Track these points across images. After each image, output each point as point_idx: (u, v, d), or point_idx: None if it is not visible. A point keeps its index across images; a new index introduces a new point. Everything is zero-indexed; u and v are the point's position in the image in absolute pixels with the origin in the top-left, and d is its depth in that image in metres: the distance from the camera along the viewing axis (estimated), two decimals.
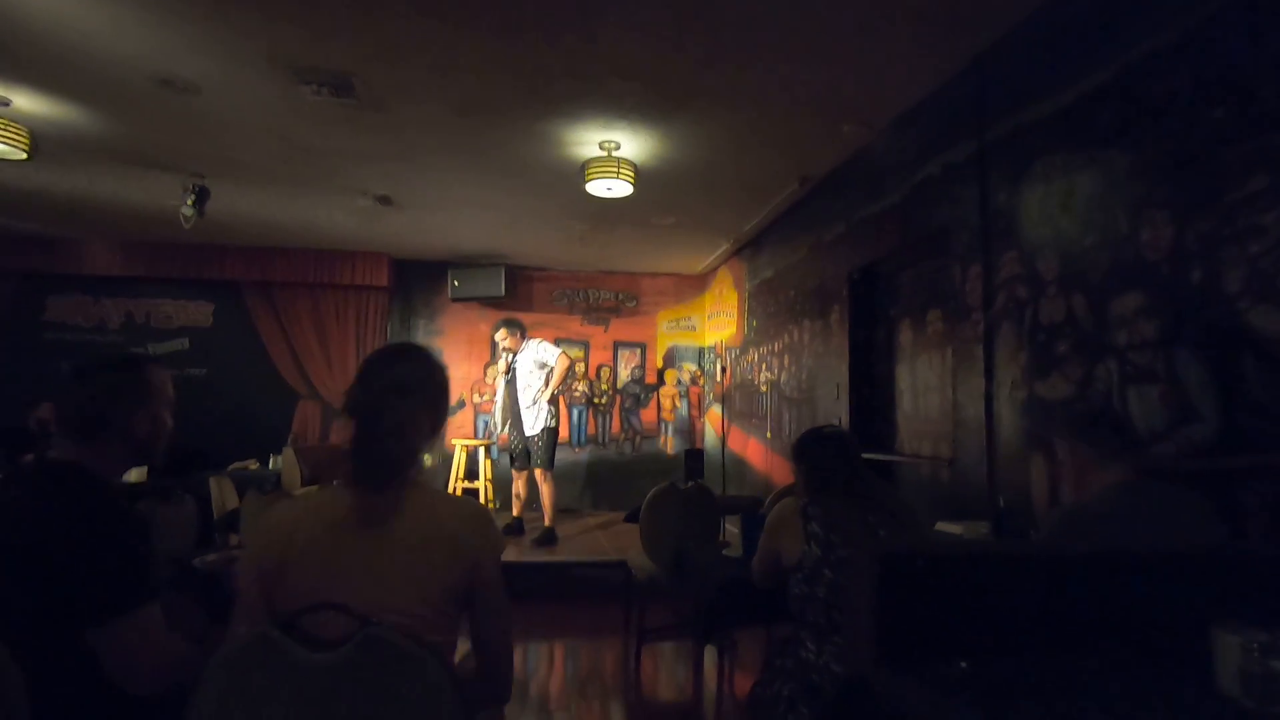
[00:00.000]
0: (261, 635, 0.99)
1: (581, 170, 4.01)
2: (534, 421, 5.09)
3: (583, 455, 7.10)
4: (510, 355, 5.19)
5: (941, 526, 2.70)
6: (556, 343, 5.46)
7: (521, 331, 5.28)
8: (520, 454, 5.18)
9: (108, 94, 3.41)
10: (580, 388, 7.17)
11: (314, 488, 4.61)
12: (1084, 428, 1.66)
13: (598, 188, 4.02)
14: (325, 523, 1.16)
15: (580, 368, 7.15)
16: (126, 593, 1.21)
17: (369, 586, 1.10)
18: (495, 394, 5.28)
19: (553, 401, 5.15)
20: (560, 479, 5.27)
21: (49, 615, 1.18)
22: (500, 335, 5.19)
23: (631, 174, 3.96)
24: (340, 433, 6.49)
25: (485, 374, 7.05)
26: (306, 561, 1.12)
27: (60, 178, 4.61)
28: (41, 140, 3.80)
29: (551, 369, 5.14)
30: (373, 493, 1.16)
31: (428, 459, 6.16)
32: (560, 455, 5.45)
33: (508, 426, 5.22)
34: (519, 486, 5.29)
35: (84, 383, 1.38)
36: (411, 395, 1.24)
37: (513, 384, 5.18)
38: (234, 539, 2.59)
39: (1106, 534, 1.50)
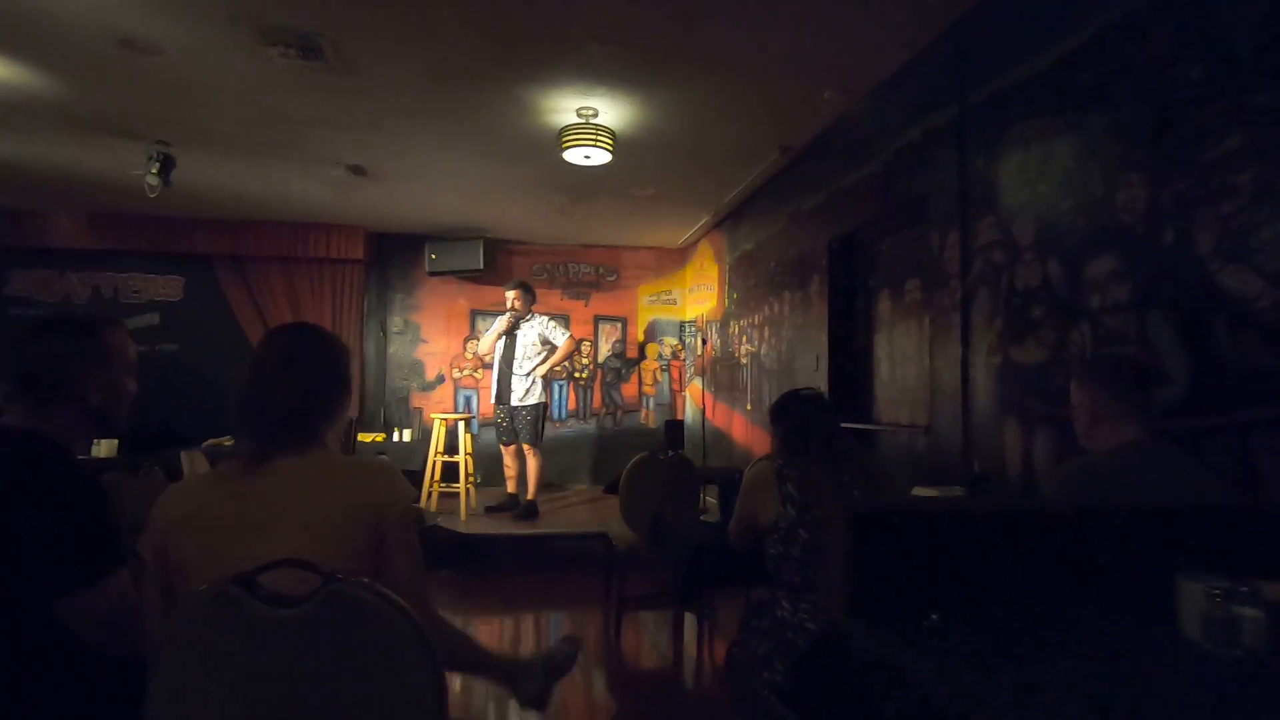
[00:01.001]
0: (220, 592, 0.97)
1: (559, 138, 3.95)
2: (523, 393, 5.06)
3: (564, 430, 7.09)
4: (515, 316, 5.11)
5: (918, 492, 2.73)
6: (539, 317, 5.39)
7: (533, 298, 5.23)
8: (507, 429, 5.15)
9: (65, 55, 3.27)
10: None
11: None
12: (1114, 378, 1.62)
13: (575, 155, 3.96)
14: (204, 494, 1.19)
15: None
16: (93, 562, 1.18)
17: (254, 548, 1.06)
18: (494, 352, 5.19)
19: (529, 377, 5.12)
20: (541, 453, 5.25)
21: (14, 587, 1.14)
22: (513, 295, 5.09)
23: (610, 141, 3.90)
24: None
25: (465, 348, 6.99)
26: (186, 532, 1.13)
27: (18, 145, 4.44)
28: None
29: (555, 348, 5.15)
30: (262, 463, 1.17)
31: (380, 436, 6.12)
32: None
33: (493, 396, 5.18)
34: (509, 461, 5.26)
35: (33, 345, 1.30)
36: (282, 368, 1.22)
37: (511, 349, 5.12)
38: None
39: (1117, 490, 1.49)
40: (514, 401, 5.07)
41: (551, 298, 7.09)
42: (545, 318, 5.31)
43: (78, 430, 1.34)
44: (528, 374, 5.08)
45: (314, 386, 1.24)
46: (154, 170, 4.22)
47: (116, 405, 1.37)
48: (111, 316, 1.45)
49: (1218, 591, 1.06)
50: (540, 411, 5.12)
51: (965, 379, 2.81)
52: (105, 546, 1.21)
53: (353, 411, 6.28)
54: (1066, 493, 1.59)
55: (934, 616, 1.15)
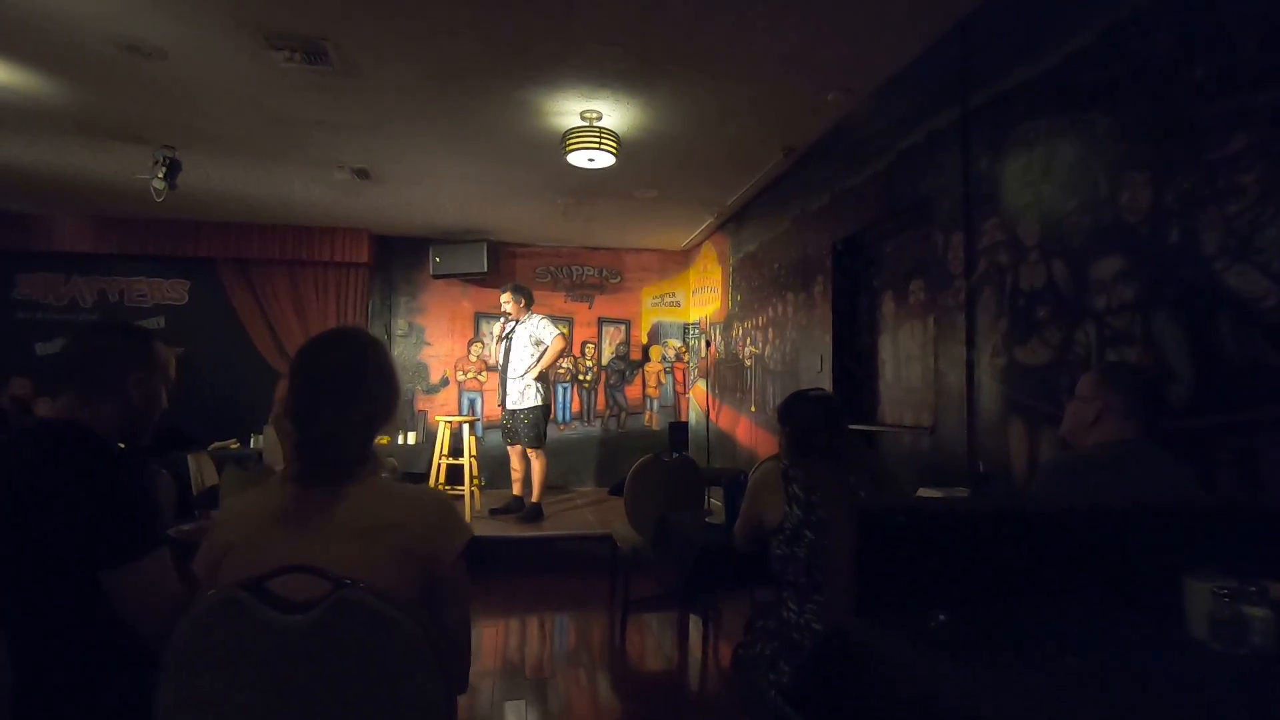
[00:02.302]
0: (229, 597, 0.97)
1: (563, 141, 3.96)
2: (519, 396, 5.04)
3: (568, 432, 7.10)
4: (511, 323, 5.11)
5: (923, 493, 2.72)
6: (545, 318, 5.35)
7: (527, 301, 5.19)
8: (510, 430, 5.15)
9: (71, 60, 3.29)
10: (565, 365, 7.15)
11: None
12: (1132, 386, 1.67)
13: (579, 158, 3.97)
14: (261, 519, 1.12)
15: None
16: (139, 538, 1.24)
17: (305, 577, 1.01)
18: (498, 359, 5.19)
19: (540, 380, 5.09)
20: (546, 455, 5.25)
21: (61, 564, 1.20)
22: (505, 299, 5.08)
23: (614, 144, 3.91)
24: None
25: (469, 351, 7.01)
26: (240, 557, 1.09)
27: (23, 150, 4.47)
28: (3, 109, 3.68)
29: (545, 348, 5.07)
30: (311, 488, 1.13)
31: (384, 439, 6.09)
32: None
33: (499, 400, 5.17)
34: (515, 463, 5.26)
35: (91, 340, 1.41)
36: (349, 394, 1.15)
37: (507, 353, 5.12)
38: (212, 515, 2.56)
39: (1103, 483, 1.54)
40: (510, 405, 5.07)
41: (555, 300, 7.11)
42: (538, 318, 5.19)
43: (115, 426, 1.41)
44: (521, 376, 5.04)
45: (377, 410, 1.19)
46: (160, 174, 4.25)
47: (150, 411, 1.45)
48: (160, 336, 1.54)
49: (1225, 591, 1.06)
50: (539, 414, 5.04)
51: (970, 380, 2.81)
52: (148, 525, 1.27)
53: None
54: (1056, 484, 1.62)
55: (940, 616, 1.15)
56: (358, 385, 1.17)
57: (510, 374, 5.08)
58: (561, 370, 7.10)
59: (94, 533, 1.21)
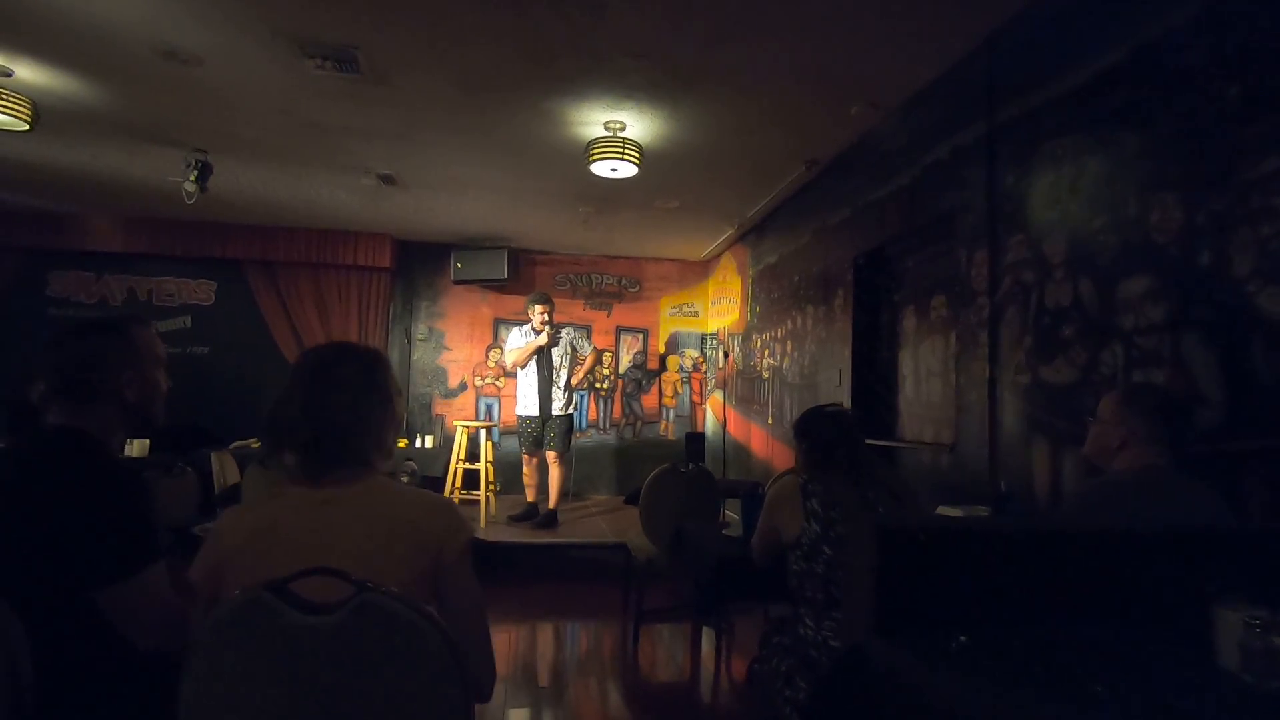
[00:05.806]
0: (253, 598, 0.98)
1: (586, 150, 3.99)
2: (565, 403, 5.16)
3: (584, 440, 7.10)
4: (554, 329, 5.16)
5: (942, 511, 2.69)
6: (566, 327, 5.51)
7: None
8: (532, 438, 5.16)
9: (110, 65, 3.38)
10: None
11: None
12: (1153, 408, 1.66)
13: (602, 168, 3.99)
14: (270, 521, 1.17)
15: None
16: (131, 555, 1.21)
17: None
18: (527, 365, 5.18)
19: (567, 389, 5.21)
20: (564, 463, 5.27)
21: (55, 580, 1.18)
22: (541, 309, 5.10)
23: (637, 155, 3.93)
24: None
25: (487, 357, 7.05)
26: (247, 561, 1.13)
27: (62, 151, 4.59)
28: (44, 112, 3.78)
29: (582, 359, 5.29)
30: (317, 486, 1.18)
31: (403, 442, 6.10)
32: None
33: (525, 407, 5.17)
34: (530, 472, 5.29)
35: (68, 347, 1.34)
36: (345, 396, 1.22)
37: (545, 362, 5.15)
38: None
39: (1134, 510, 1.53)
40: (555, 411, 5.12)
41: (574, 308, 7.14)
42: (570, 328, 5.45)
43: (117, 427, 1.38)
44: (565, 385, 5.16)
45: (358, 407, 1.23)
46: (192, 177, 4.34)
47: (152, 401, 1.41)
48: (139, 315, 1.50)
49: (1257, 621, 1.04)
50: (572, 421, 5.29)
51: (992, 397, 2.77)
52: (142, 540, 1.24)
53: None
54: (1090, 508, 1.60)
55: (961, 638, 1.14)
56: (331, 381, 1.23)
57: (556, 381, 5.15)
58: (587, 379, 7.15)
59: (88, 549, 1.18)
